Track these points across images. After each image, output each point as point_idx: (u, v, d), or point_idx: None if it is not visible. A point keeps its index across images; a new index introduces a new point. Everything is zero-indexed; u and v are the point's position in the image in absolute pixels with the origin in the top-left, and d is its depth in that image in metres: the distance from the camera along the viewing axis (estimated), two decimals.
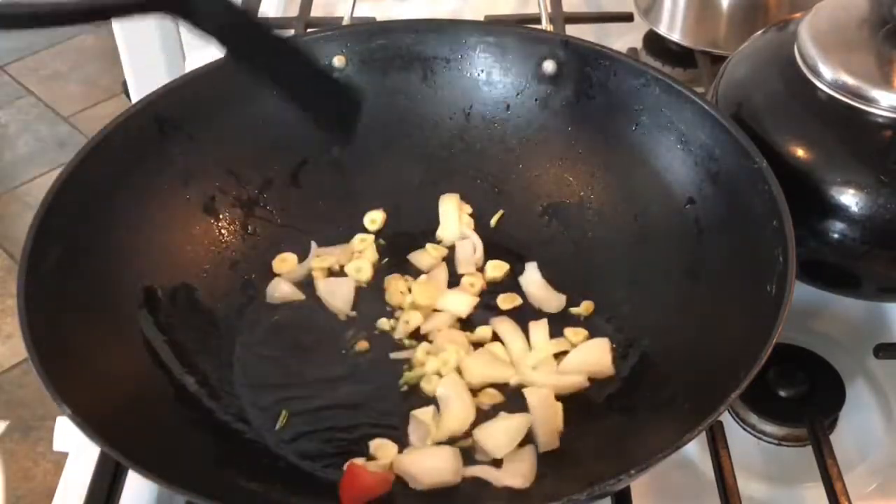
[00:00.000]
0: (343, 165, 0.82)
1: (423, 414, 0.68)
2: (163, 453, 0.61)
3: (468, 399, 0.69)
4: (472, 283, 0.76)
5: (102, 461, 0.65)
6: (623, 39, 1.03)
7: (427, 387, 0.70)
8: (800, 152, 0.70)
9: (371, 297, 0.77)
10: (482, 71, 0.82)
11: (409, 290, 0.76)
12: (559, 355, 0.72)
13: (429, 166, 0.83)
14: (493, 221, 0.81)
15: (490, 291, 0.77)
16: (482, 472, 0.65)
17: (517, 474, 0.64)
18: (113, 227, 0.72)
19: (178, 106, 0.77)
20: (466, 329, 0.74)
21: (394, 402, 0.70)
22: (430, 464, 0.65)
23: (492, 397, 0.69)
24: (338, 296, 0.76)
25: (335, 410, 0.70)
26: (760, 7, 0.96)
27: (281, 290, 0.77)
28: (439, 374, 0.70)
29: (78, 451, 0.71)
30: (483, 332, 0.73)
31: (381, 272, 0.78)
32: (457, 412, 0.68)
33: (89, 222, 0.70)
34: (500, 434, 0.66)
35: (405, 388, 0.70)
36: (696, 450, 0.69)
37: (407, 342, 0.73)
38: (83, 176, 0.70)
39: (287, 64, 0.67)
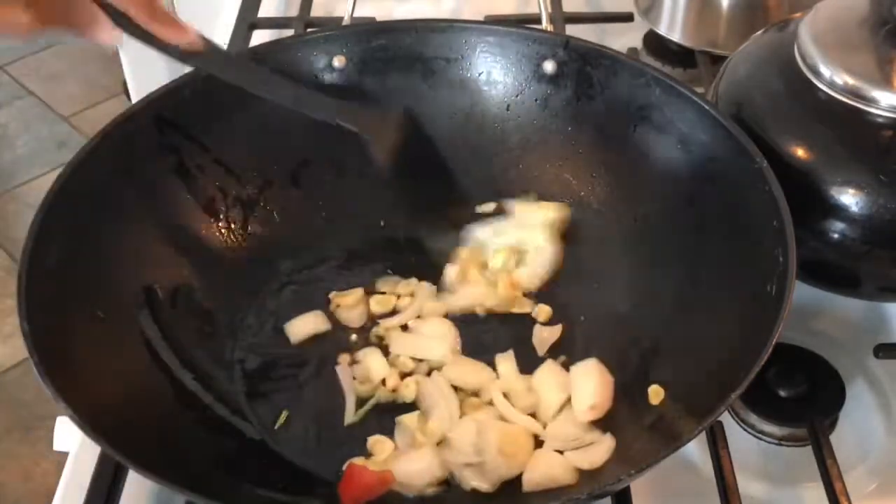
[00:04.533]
0: (343, 166, 0.82)
1: (409, 419, 0.67)
2: (163, 453, 0.61)
3: (453, 400, 0.68)
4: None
5: (102, 461, 0.65)
6: (623, 39, 1.03)
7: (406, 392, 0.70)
8: (800, 152, 0.70)
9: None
10: (482, 71, 0.82)
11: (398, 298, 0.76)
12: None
13: (429, 167, 0.83)
14: None
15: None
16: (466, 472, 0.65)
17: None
18: (113, 227, 0.72)
19: (178, 106, 0.77)
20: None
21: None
22: (413, 468, 0.64)
23: (475, 406, 0.69)
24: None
25: (335, 410, 0.70)
26: (760, 7, 0.96)
27: (306, 324, 0.75)
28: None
29: (78, 451, 0.71)
30: (477, 400, 0.70)
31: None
32: (441, 414, 0.67)
33: (89, 222, 0.70)
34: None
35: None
36: (696, 450, 0.69)
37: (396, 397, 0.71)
38: (83, 176, 0.70)
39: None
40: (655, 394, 0.67)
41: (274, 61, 0.81)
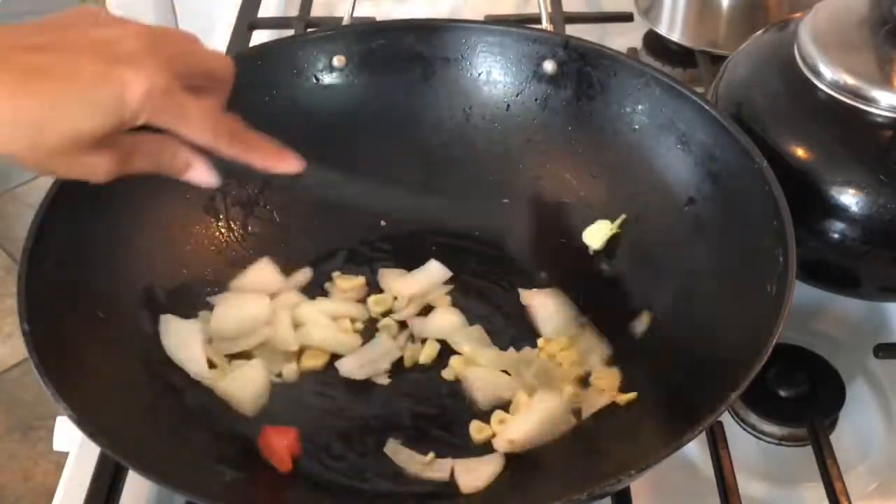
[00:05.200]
0: (344, 165, 0.82)
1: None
2: (163, 453, 0.61)
3: None
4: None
5: (102, 461, 0.65)
6: (623, 39, 1.03)
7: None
8: (800, 152, 0.70)
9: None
10: (482, 71, 0.82)
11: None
12: None
13: (429, 166, 0.83)
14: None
15: None
16: None
17: None
18: (113, 227, 0.72)
19: None
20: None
21: (395, 401, 0.70)
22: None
23: None
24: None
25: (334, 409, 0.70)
26: (760, 7, 0.96)
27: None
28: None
29: (78, 451, 0.71)
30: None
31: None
32: None
33: (89, 222, 0.70)
34: None
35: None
36: (696, 450, 0.69)
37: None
38: None
39: None
40: (624, 398, 0.67)
41: (274, 61, 0.81)
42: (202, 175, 0.61)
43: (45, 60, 0.51)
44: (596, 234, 0.78)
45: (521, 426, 0.66)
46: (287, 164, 0.62)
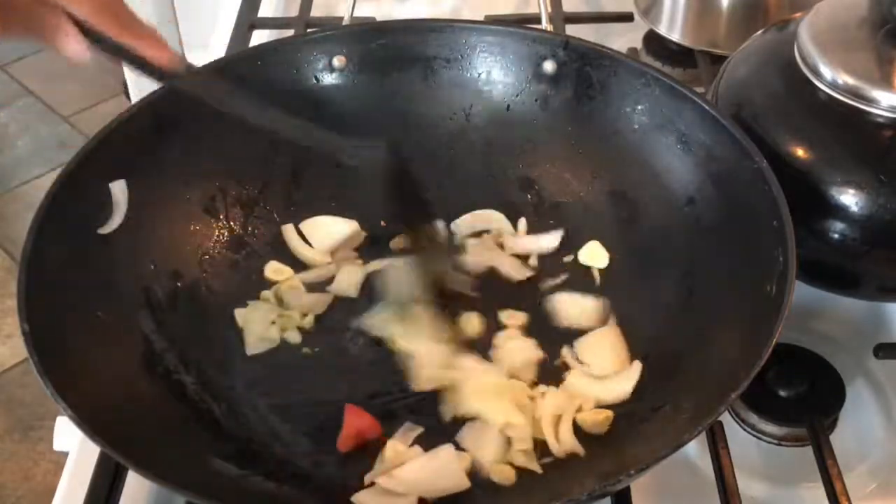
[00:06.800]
0: (343, 166, 0.82)
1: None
2: (163, 453, 0.61)
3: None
4: None
5: (102, 461, 0.65)
6: (623, 39, 1.03)
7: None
8: (800, 152, 0.70)
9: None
10: (482, 71, 0.82)
11: None
12: None
13: (429, 166, 0.83)
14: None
15: None
16: None
17: None
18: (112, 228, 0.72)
19: (178, 106, 0.77)
20: None
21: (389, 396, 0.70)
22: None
23: None
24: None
25: (331, 408, 0.70)
26: (760, 7, 0.97)
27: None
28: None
29: (78, 451, 0.71)
30: None
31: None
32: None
33: (89, 223, 0.70)
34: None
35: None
36: (696, 450, 0.69)
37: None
38: (83, 176, 0.70)
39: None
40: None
41: (274, 61, 0.81)
42: (72, 43, 0.61)
43: None
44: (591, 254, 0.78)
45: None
46: (166, 57, 0.63)
